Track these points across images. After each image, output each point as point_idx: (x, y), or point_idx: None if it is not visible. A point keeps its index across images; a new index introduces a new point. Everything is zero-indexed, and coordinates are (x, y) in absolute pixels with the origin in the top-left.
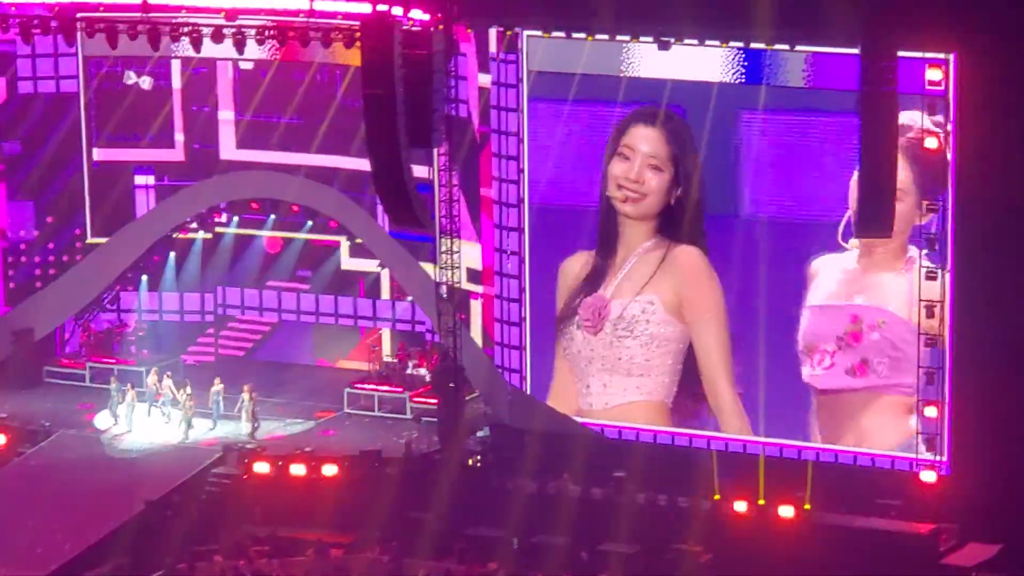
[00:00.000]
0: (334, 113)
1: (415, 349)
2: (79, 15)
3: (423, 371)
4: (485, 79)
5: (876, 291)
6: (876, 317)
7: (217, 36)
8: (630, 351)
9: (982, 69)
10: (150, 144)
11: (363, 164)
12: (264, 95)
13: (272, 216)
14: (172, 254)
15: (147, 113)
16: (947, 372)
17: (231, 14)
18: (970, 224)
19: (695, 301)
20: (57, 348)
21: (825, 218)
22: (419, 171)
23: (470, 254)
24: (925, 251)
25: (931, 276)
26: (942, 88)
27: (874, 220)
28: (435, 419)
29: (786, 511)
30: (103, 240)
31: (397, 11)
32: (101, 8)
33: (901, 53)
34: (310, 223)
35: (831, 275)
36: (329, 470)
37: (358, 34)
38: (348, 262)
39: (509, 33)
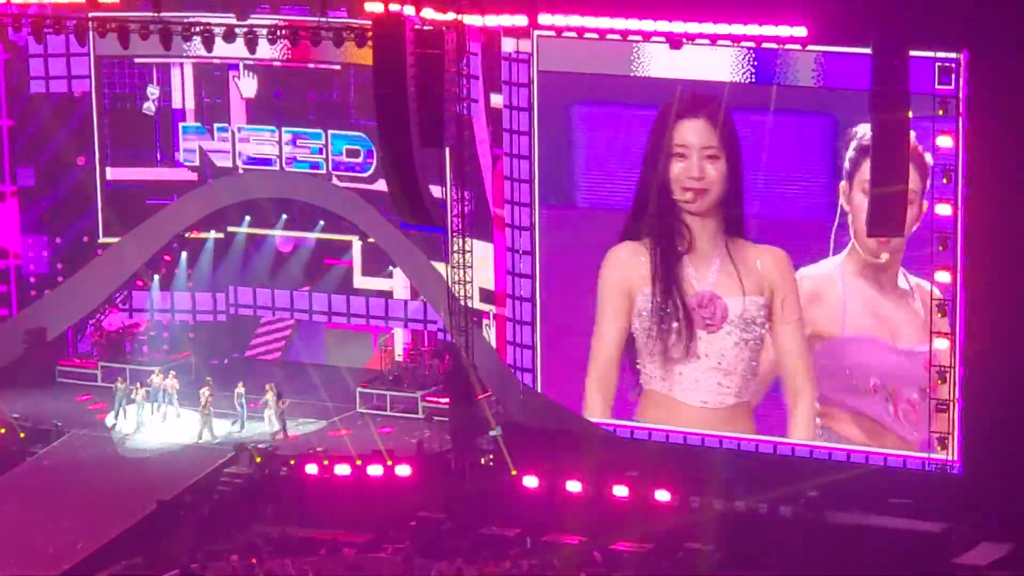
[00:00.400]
0: None
1: (427, 349)
2: (91, 15)
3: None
4: (497, 100)
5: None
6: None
7: (229, 36)
8: (749, 352)
9: (992, 68)
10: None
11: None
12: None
13: (284, 216)
14: (184, 254)
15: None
16: (958, 372)
17: (243, 13)
18: (981, 223)
19: (791, 304)
20: (69, 348)
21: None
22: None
23: (482, 275)
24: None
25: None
26: (952, 88)
27: (886, 219)
28: (447, 419)
29: (796, 510)
30: (115, 240)
31: (409, 11)
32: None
33: (912, 53)
34: (322, 223)
35: (856, 302)
36: (341, 470)
37: (370, 33)
38: (361, 280)
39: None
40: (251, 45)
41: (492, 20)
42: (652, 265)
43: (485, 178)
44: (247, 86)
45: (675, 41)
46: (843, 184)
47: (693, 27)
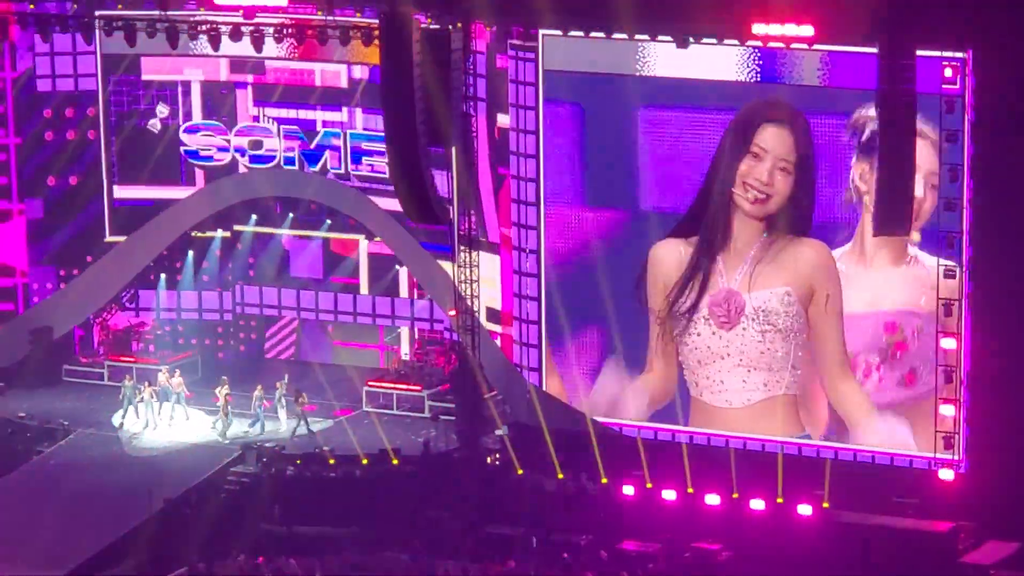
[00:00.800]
0: None
1: (433, 347)
2: (98, 13)
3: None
4: (504, 119)
5: (892, 291)
6: (914, 323)
7: (235, 34)
8: (773, 345)
9: (998, 67)
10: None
11: None
12: None
13: (291, 215)
14: (191, 252)
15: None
16: (963, 371)
17: (249, 12)
18: (987, 222)
19: (828, 294)
20: (76, 347)
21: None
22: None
23: (490, 294)
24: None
25: (949, 274)
26: (958, 87)
27: (893, 218)
28: (453, 418)
29: (805, 509)
30: (122, 239)
31: (415, 10)
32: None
33: (918, 52)
34: (328, 221)
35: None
36: (348, 469)
37: (376, 32)
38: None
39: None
40: (257, 44)
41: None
42: (686, 266)
43: (485, 200)
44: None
45: (681, 41)
46: (861, 166)
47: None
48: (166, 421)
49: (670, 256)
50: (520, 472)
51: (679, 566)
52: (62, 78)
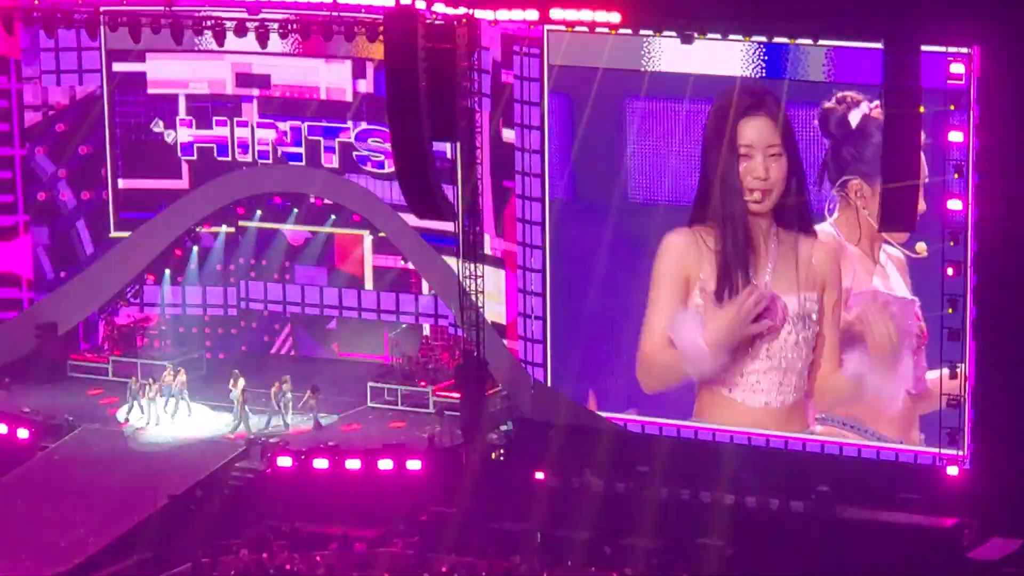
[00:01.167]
0: None
1: (438, 343)
2: (103, 8)
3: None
4: (510, 134)
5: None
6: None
7: (240, 30)
8: (806, 349)
9: (1004, 63)
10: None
11: None
12: None
13: (295, 210)
14: (195, 248)
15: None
16: (968, 366)
17: (254, 7)
18: (992, 217)
19: (837, 292)
20: (80, 342)
21: None
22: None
23: (496, 309)
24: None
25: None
26: (964, 82)
27: (898, 214)
28: (458, 413)
29: (809, 506)
30: (126, 234)
31: (420, 4)
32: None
33: (923, 47)
34: (333, 217)
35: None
36: (352, 464)
37: (381, 28)
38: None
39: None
40: (262, 39)
41: (504, 15)
42: (718, 263)
43: (486, 212)
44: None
45: (686, 36)
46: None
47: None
48: (169, 417)
49: (688, 245)
50: (525, 468)
51: (682, 562)
52: (67, 74)
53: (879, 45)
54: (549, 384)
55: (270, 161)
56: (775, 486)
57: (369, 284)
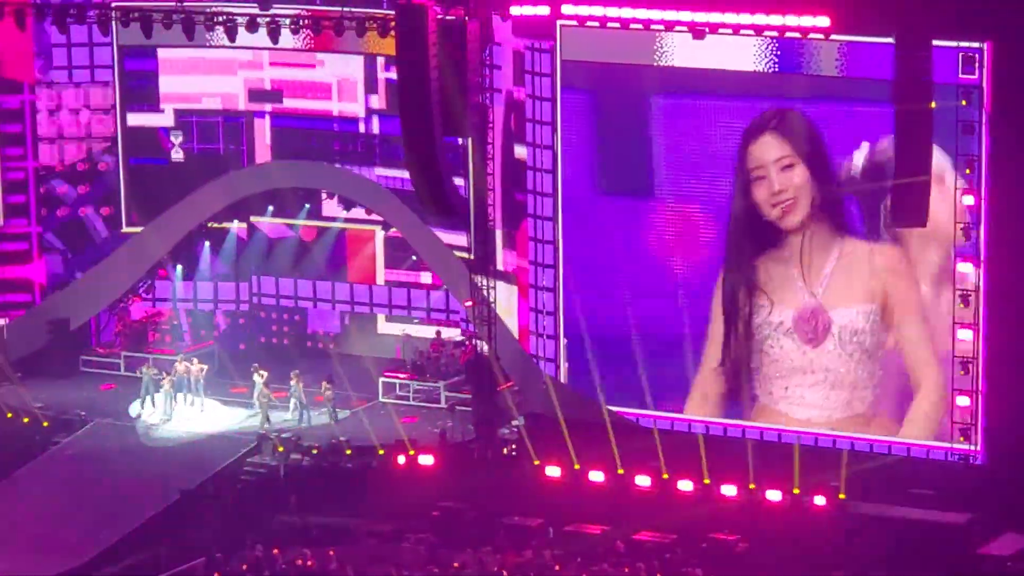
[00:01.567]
0: None
1: (450, 338)
2: (115, 4)
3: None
4: (522, 151)
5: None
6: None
7: (252, 25)
8: (860, 364)
9: (1016, 58)
10: None
11: None
12: None
13: (307, 205)
14: (207, 243)
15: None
16: (981, 362)
17: (265, 2)
18: (1004, 213)
19: (908, 301)
20: (92, 337)
21: None
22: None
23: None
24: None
25: (965, 265)
26: (976, 77)
27: (909, 209)
28: (470, 408)
29: (821, 500)
30: (138, 229)
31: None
32: None
33: (935, 42)
34: (345, 212)
35: None
36: (365, 459)
37: (393, 23)
38: (384, 326)
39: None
40: (273, 35)
41: (515, 10)
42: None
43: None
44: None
45: (697, 31)
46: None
47: (716, 17)
48: (182, 411)
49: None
50: (536, 463)
51: (695, 557)
52: (78, 69)
53: (891, 40)
54: (562, 379)
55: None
56: (788, 480)
57: (380, 279)
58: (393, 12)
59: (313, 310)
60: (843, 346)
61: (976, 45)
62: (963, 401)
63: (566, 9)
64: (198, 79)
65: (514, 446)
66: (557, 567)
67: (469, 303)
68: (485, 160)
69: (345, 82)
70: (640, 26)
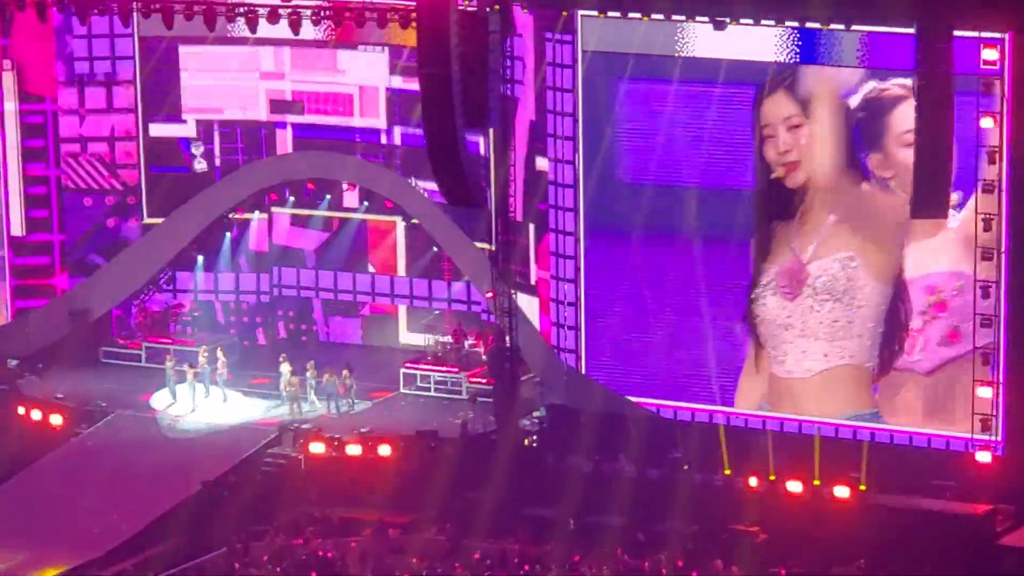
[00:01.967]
0: None
1: (471, 329)
2: None
3: (479, 351)
4: (543, 163)
5: (934, 256)
6: (953, 283)
7: (273, 17)
8: (832, 314)
9: None
10: None
11: None
12: None
13: (328, 196)
14: (228, 234)
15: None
16: (1002, 352)
17: None
18: None
19: (893, 253)
20: (114, 328)
21: None
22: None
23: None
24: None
25: (987, 256)
26: (997, 68)
27: (930, 200)
28: (491, 399)
29: (841, 492)
30: (159, 221)
31: None
32: None
33: (956, 33)
34: (366, 203)
35: None
36: (385, 450)
37: (414, 14)
38: (406, 336)
39: (565, 14)
40: (295, 26)
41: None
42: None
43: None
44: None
45: (718, 22)
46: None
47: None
48: (203, 402)
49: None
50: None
51: (716, 548)
52: (99, 60)
53: (912, 30)
54: (582, 370)
55: None
56: (808, 472)
57: (402, 271)
58: (414, 3)
59: (335, 320)
60: (816, 295)
61: (997, 35)
62: (984, 392)
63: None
64: (220, 89)
65: (535, 437)
66: (577, 558)
67: (490, 294)
68: (507, 152)
69: (367, 91)
70: (661, 16)
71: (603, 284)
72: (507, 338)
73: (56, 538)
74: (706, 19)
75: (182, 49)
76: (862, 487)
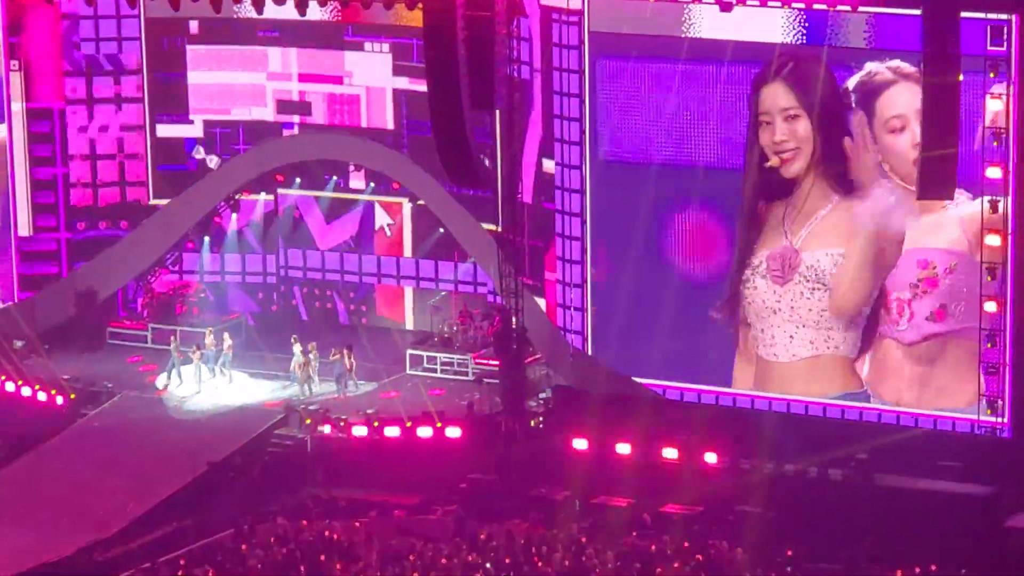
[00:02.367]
0: None
1: (477, 311)
2: None
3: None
4: (550, 165)
5: (930, 231)
6: (948, 260)
7: None
8: (821, 303)
9: None
10: None
11: None
12: None
13: (335, 177)
14: (234, 216)
15: None
16: (1008, 333)
17: None
18: None
19: (882, 255)
20: (120, 309)
21: None
22: None
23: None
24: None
25: (993, 235)
26: (1004, 49)
27: (937, 181)
28: (497, 381)
29: (847, 472)
30: (166, 201)
31: None
32: None
33: (963, 14)
34: (372, 184)
35: None
36: (391, 432)
37: None
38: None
39: None
40: (301, 7)
41: None
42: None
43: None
44: None
45: (725, 3)
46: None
47: None
48: (209, 384)
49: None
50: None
51: (722, 529)
52: (105, 41)
53: (918, 12)
54: (589, 352)
55: None
56: (814, 453)
57: (408, 252)
58: None
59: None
60: (805, 282)
61: (1004, 17)
62: (991, 373)
63: None
64: (227, 90)
65: (541, 418)
66: (584, 540)
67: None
68: (513, 131)
69: (373, 92)
70: None
71: (607, 266)
72: (513, 319)
73: (63, 519)
74: (712, 1)
75: (189, 49)
76: (867, 468)
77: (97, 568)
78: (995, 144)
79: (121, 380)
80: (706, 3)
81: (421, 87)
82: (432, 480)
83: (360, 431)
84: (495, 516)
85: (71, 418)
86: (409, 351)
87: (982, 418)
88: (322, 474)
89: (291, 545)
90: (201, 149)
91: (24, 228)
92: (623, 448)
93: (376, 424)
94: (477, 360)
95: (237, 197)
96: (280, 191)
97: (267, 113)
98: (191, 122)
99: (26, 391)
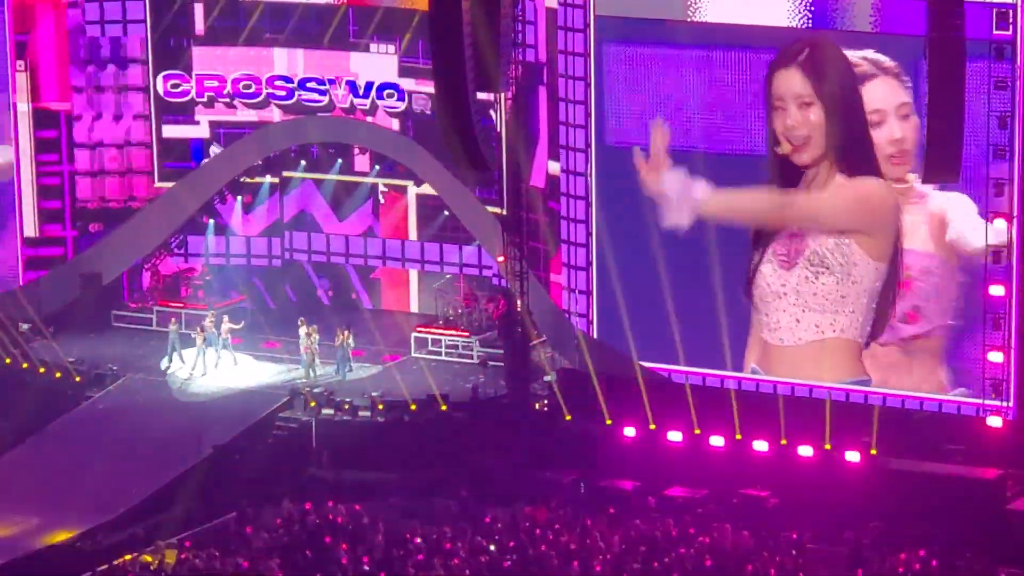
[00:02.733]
0: None
1: (483, 293)
2: None
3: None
4: (555, 166)
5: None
6: (925, 263)
7: None
8: (825, 287)
9: None
10: None
11: None
12: None
13: (340, 160)
14: (239, 198)
15: None
16: (1013, 317)
17: None
18: None
19: (888, 236)
20: (125, 292)
21: None
22: None
23: None
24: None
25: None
26: (1009, 33)
27: (942, 164)
28: (502, 364)
29: (853, 456)
30: (171, 184)
31: None
32: None
33: None
34: (377, 167)
35: None
36: (396, 414)
37: None
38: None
39: None
40: None
41: None
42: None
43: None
44: None
45: None
46: None
47: None
48: (213, 366)
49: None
50: (568, 418)
51: (727, 512)
52: (111, 23)
53: None
54: (594, 335)
55: None
56: (819, 436)
57: (413, 235)
58: None
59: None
60: (810, 267)
61: (1010, 1)
62: (995, 357)
63: None
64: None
65: (546, 401)
66: (588, 522)
67: (502, 258)
68: (518, 115)
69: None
70: None
71: (616, 251)
72: (518, 302)
73: (68, 502)
74: None
75: (195, 50)
76: (873, 451)
77: (102, 550)
78: (1000, 128)
79: (126, 363)
80: None
81: (428, 88)
82: (436, 463)
83: (365, 414)
84: (500, 499)
85: (76, 400)
86: (413, 333)
87: (987, 402)
88: (327, 457)
89: (295, 527)
90: (217, 148)
91: (30, 229)
92: (628, 431)
93: (381, 407)
94: (482, 343)
95: (242, 180)
96: (285, 173)
97: (273, 114)
98: (197, 123)
99: (31, 374)
